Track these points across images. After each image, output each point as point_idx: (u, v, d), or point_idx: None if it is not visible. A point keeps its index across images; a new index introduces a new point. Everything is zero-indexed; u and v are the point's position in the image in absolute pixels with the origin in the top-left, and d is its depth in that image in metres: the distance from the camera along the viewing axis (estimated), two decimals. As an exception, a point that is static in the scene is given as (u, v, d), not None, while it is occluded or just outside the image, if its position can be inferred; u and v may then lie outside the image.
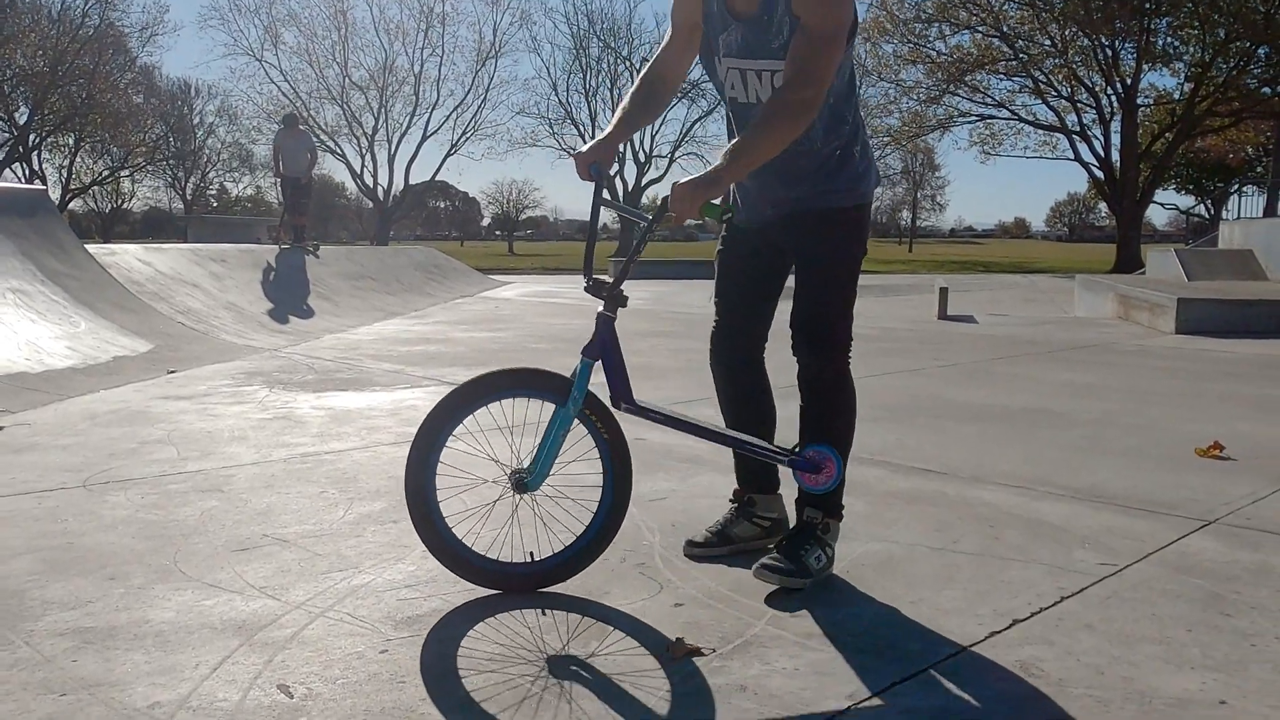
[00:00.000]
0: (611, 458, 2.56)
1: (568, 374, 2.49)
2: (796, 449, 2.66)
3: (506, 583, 2.53)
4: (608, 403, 2.53)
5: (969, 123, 36.88)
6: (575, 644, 2.24)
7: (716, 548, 2.80)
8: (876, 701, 1.98)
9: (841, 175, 2.61)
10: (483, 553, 2.54)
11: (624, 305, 2.51)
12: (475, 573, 2.51)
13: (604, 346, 2.49)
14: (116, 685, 2.00)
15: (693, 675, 2.08)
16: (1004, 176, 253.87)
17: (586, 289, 2.52)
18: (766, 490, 2.89)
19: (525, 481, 2.49)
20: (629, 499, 2.59)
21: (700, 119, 55.63)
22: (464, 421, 2.49)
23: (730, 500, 2.90)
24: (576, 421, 2.50)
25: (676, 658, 2.16)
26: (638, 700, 1.97)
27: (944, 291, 12.66)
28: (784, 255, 2.76)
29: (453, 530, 2.49)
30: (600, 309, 2.49)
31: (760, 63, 2.51)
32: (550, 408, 2.51)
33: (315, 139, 18.78)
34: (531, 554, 2.57)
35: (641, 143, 50.64)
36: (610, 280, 2.50)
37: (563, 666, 2.13)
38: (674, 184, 2.33)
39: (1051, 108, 34.85)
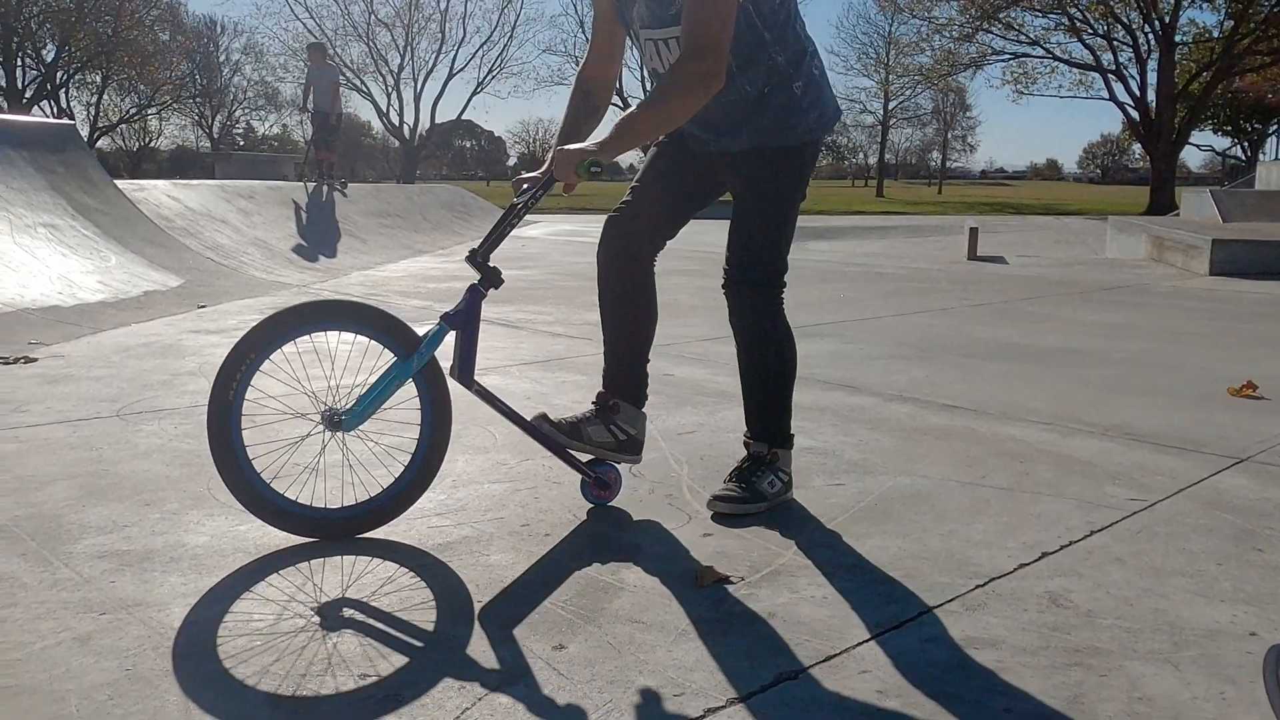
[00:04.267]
0: (433, 426, 2.51)
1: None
2: (590, 466, 2.66)
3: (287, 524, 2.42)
4: (447, 372, 2.49)
5: (1002, 61, 36.25)
6: (605, 571, 2.26)
7: (563, 433, 2.65)
8: (904, 630, 1.99)
9: (779, 114, 2.54)
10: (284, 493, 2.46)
11: (497, 286, 2.47)
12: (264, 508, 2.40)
13: (467, 318, 2.46)
14: (154, 605, 2.04)
15: (721, 602, 2.10)
16: (1036, 117, 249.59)
17: (466, 259, 2.46)
18: (634, 402, 2.78)
19: (340, 421, 2.43)
20: (437, 471, 2.55)
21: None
22: (297, 340, 2.45)
23: (594, 403, 2.75)
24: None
25: (705, 585, 2.17)
26: (668, 624, 1.98)
27: (974, 232, 12.53)
28: (712, 185, 2.74)
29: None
30: (475, 281, 2.45)
31: (666, 30, 2.50)
32: (389, 356, 2.48)
33: (341, 76, 18.51)
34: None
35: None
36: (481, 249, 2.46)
37: (593, 592, 2.15)
38: (555, 149, 2.35)
39: (1087, 46, 34.18)
